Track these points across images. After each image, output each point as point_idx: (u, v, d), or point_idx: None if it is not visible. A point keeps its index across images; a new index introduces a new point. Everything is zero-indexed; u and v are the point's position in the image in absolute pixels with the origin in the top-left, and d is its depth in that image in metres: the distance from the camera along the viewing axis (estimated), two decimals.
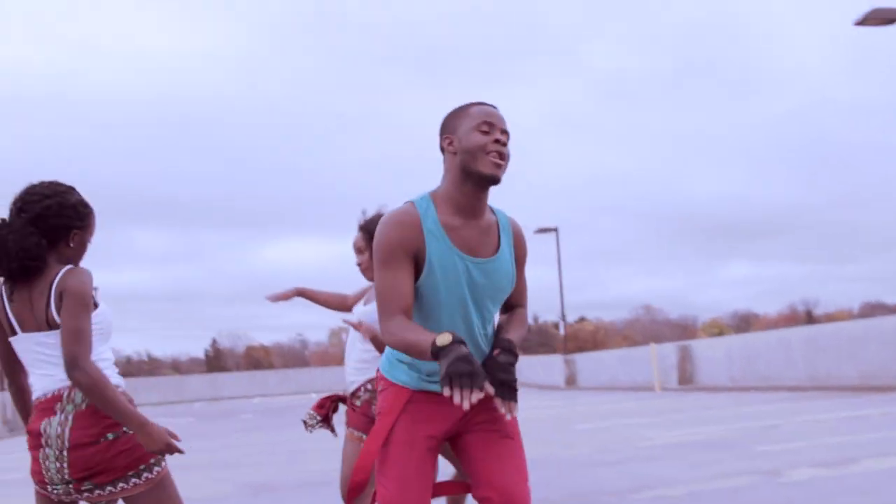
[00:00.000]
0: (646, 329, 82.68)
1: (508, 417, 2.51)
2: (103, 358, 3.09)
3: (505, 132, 2.69)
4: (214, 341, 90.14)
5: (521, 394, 31.90)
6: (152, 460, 3.04)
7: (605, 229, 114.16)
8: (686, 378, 27.34)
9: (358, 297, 4.65)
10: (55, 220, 3.11)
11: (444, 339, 2.39)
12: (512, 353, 2.61)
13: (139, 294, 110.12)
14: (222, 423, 23.21)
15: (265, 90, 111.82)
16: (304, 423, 4.57)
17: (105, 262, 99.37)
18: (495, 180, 2.65)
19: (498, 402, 2.50)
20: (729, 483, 6.95)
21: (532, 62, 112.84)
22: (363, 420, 4.34)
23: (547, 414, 18.45)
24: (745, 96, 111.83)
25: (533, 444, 11.15)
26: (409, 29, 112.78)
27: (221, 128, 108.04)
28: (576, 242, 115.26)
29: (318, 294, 4.75)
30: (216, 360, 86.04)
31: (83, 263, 3.24)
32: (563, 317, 39.41)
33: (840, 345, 20.58)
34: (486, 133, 2.65)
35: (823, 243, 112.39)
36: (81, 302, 2.99)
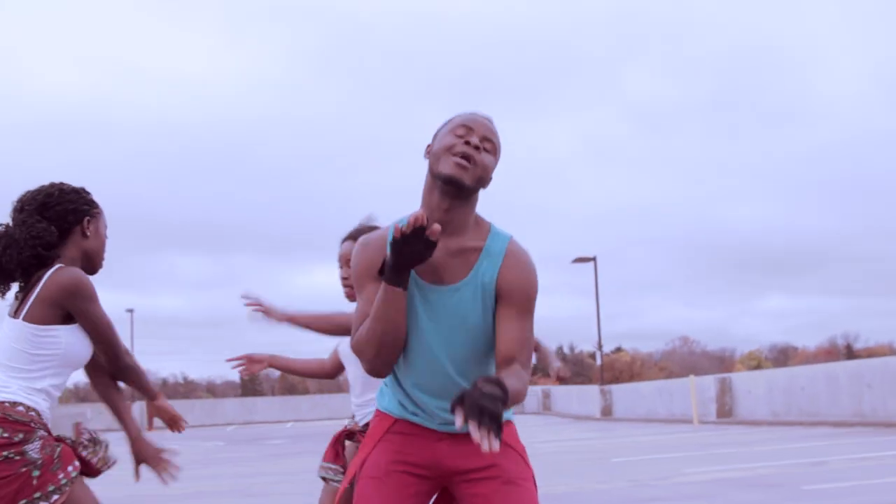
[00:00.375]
0: (683, 360, 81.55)
1: (485, 449, 1.87)
2: (38, 388, 2.86)
3: (488, 140, 2.37)
4: None
5: (557, 424, 31.42)
6: (50, 487, 2.72)
7: (642, 260, 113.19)
8: (725, 411, 26.71)
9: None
10: (60, 206, 2.99)
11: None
12: (499, 386, 1.96)
13: (177, 318, 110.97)
14: (253, 449, 22.99)
15: (303, 116, 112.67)
16: (325, 479, 4.03)
17: (144, 287, 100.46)
18: (454, 182, 2.27)
19: (473, 427, 1.87)
20: None
21: (568, 91, 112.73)
22: None
23: (583, 445, 18.03)
24: (784, 126, 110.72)
25: (567, 478, 10.78)
26: (445, 58, 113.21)
27: (259, 153, 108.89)
28: (612, 272, 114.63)
29: (293, 364, 4.33)
30: (251, 384, 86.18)
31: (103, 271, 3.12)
32: (600, 346, 38.87)
33: (886, 380, 19.95)
34: (459, 136, 2.34)
35: (864, 276, 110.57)
36: (89, 299, 2.90)
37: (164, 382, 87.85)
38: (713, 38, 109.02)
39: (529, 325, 2.35)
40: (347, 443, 4.08)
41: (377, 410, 2.58)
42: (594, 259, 38.07)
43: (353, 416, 4.07)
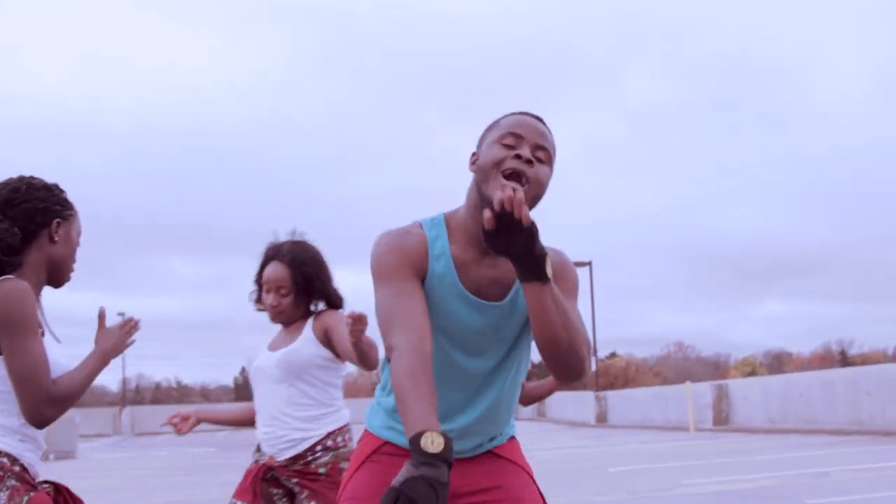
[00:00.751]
0: (678, 366, 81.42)
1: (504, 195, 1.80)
2: (10, 427, 2.45)
3: (541, 148, 2.09)
4: (244, 369, 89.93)
5: (552, 430, 31.17)
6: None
7: (638, 265, 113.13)
8: (722, 418, 26.50)
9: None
10: (28, 204, 2.55)
11: (431, 441, 1.67)
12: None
13: (171, 321, 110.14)
14: (245, 455, 22.69)
15: (300, 119, 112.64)
16: None
17: (138, 289, 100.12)
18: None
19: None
20: None
21: (566, 94, 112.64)
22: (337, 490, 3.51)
23: (578, 454, 17.79)
24: (783, 132, 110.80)
25: (565, 488, 10.54)
26: (444, 59, 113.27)
27: (256, 156, 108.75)
28: (607, 277, 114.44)
29: (221, 414, 4.01)
30: (245, 388, 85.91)
31: (76, 277, 2.68)
32: (595, 352, 38.67)
33: (883, 387, 19.75)
34: (508, 147, 2.07)
35: (859, 283, 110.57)
36: (16, 330, 2.39)
37: (158, 387, 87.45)
38: (713, 40, 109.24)
39: (575, 306, 2.16)
40: (274, 490, 3.50)
41: (365, 430, 2.35)
42: (589, 264, 37.91)
43: (258, 448, 3.60)
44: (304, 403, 3.47)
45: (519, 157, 2.04)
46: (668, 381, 57.86)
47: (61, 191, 2.67)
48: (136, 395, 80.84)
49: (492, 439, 2.27)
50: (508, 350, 2.18)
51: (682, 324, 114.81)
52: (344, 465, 3.40)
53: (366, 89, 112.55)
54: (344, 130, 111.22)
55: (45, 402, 2.40)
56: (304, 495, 3.42)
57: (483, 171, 2.08)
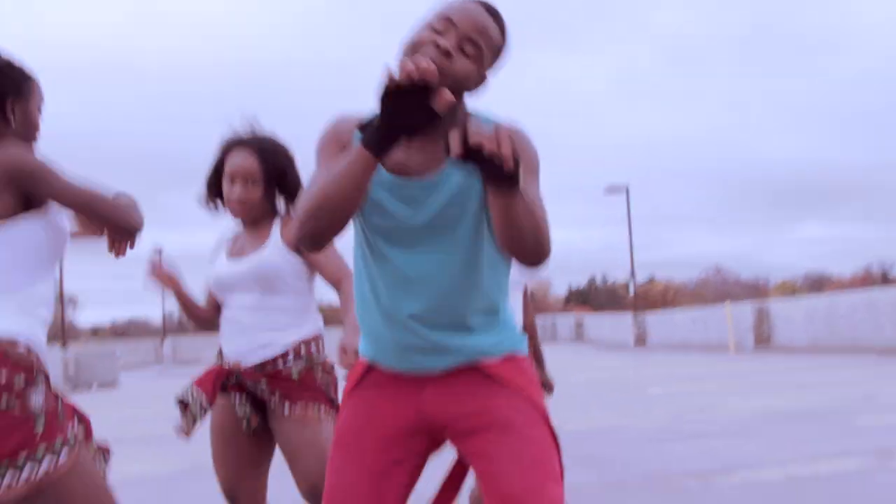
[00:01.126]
0: (716, 289, 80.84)
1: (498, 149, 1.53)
2: (32, 307, 2.34)
3: (471, 41, 1.82)
4: None
5: (589, 352, 31.02)
6: (58, 440, 2.24)
7: (675, 190, 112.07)
8: (763, 339, 26.17)
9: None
10: None
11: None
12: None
13: (202, 254, 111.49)
14: None
15: (329, 56, 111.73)
16: (185, 404, 3.05)
17: (172, 225, 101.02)
18: None
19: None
20: (834, 466, 6.00)
21: (599, 27, 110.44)
22: (314, 393, 3.07)
23: (617, 375, 17.58)
24: (820, 55, 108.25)
25: (603, 411, 10.32)
26: None
27: (285, 94, 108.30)
28: (644, 203, 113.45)
29: (193, 308, 3.40)
30: None
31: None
32: (633, 275, 38.28)
33: None
34: (436, 32, 1.82)
35: None
36: (43, 171, 2.32)
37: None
38: None
39: (536, 185, 1.88)
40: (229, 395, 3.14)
41: (358, 360, 2.11)
42: (626, 188, 37.31)
43: (220, 353, 3.26)
44: (276, 313, 3.13)
45: (438, 45, 1.79)
46: (707, 305, 57.49)
47: (12, 67, 2.45)
48: (178, 328, 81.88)
49: (472, 353, 1.95)
50: (454, 243, 1.90)
51: (720, 248, 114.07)
52: (318, 372, 3.11)
53: (393, 25, 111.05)
54: (372, 66, 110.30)
55: (112, 206, 2.42)
56: (276, 396, 3.07)
57: (403, 51, 1.83)
